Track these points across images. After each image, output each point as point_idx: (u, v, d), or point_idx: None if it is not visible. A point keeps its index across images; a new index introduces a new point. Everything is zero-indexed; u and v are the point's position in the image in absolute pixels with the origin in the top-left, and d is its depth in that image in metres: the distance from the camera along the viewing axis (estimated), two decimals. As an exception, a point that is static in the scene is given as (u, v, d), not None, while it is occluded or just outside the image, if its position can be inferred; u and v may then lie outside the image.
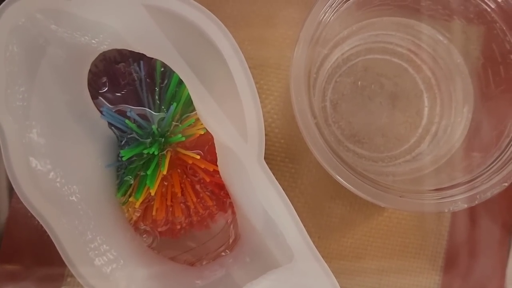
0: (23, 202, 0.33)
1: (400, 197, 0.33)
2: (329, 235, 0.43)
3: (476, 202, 0.33)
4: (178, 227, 0.40)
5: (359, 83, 0.41)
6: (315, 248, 0.33)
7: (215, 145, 0.36)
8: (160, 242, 0.40)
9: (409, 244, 0.43)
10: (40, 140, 0.34)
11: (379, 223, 0.43)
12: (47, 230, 0.33)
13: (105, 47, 0.36)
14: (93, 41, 0.35)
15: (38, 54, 0.34)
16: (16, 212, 0.42)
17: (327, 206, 0.43)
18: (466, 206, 0.33)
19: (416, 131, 0.41)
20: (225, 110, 0.34)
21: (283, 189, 0.43)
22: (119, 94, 0.39)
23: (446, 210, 0.33)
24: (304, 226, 0.43)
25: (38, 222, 0.33)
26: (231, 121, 0.34)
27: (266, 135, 0.43)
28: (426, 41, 0.41)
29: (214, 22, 0.33)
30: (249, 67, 0.43)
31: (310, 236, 0.43)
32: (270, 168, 0.43)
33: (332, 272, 0.32)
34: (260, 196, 0.33)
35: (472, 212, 0.43)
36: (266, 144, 0.43)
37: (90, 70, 0.38)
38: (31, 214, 0.33)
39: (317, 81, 0.41)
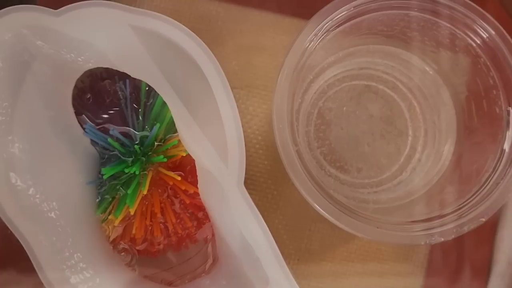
0: (1, 217, 0.33)
1: (377, 228, 0.33)
2: (308, 258, 0.43)
3: (453, 237, 0.33)
4: (157, 246, 0.40)
5: (344, 108, 0.41)
6: (291, 276, 0.33)
7: (196, 168, 0.36)
8: (138, 260, 0.40)
9: (388, 271, 0.43)
10: (22, 155, 0.34)
11: (359, 248, 0.43)
12: (23, 246, 0.33)
13: (90, 65, 0.36)
14: (79, 58, 0.35)
15: (23, 70, 0.34)
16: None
17: (308, 229, 0.43)
18: (442, 239, 0.33)
19: (399, 159, 0.41)
20: (207, 134, 0.34)
21: (265, 211, 0.43)
22: (103, 112, 0.39)
23: (422, 243, 0.33)
24: (284, 248, 0.43)
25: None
26: (213, 145, 0.34)
27: (250, 156, 0.43)
28: (412, 70, 0.41)
29: (198, 44, 0.33)
30: (236, 88, 0.43)
31: (290, 259, 0.43)
32: (253, 189, 0.43)
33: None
34: (239, 221, 0.33)
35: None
36: (249, 165, 0.43)
37: (75, 86, 0.38)
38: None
39: (302, 105, 0.41)
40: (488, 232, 0.44)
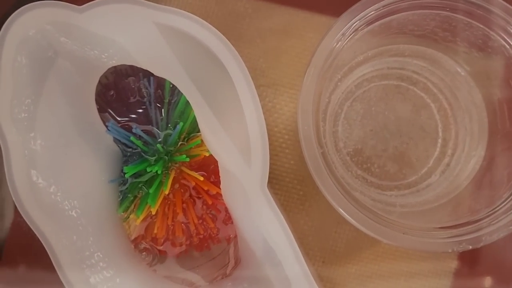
0: (22, 215, 0.33)
1: (403, 233, 0.32)
2: (334, 260, 0.43)
3: (481, 244, 0.32)
4: (179, 246, 0.40)
5: (373, 109, 0.40)
6: (314, 282, 0.32)
7: (219, 169, 0.35)
8: (159, 260, 0.40)
9: (415, 274, 0.43)
10: (43, 153, 0.34)
11: (386, 251, 0.43)
12: (43, 244, 0.33)
13: (114, 62, 0.36)
14: (103, 55, 0.35)
15: (46, 66, 0.34)
16: (21, 217, 0.42)
17: (334, 230, 0.43)
18: (470, 247, 0.32)
19: (428, 162, 0.40)
20: (230, 135, 0.33)
21: (290, 211, 0.42)
22: (126, 109, 0.39)
23: (450, 251, 0.32)
24: (309, 250, 0.43)
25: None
26: (236, 146, 0.33)
27: (275, 155, 0.43)
28: (444, 71, 0.40)
29: (223, 43, 0.32)
30: (263, 86, 0.42)
31: (315, 260, 0.43)
32: (278, 189, 0.43)
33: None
34: (261, 224, 0.33)
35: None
36: (275, 165, 0.43)
37: (100, 82, 0.38)
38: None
39: (330, 105, 0.40)
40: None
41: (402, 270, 0.43)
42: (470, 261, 0.42)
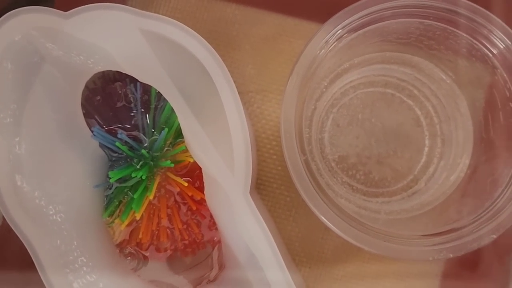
0: (6, 219, 0.33)
1: (385, 241, 0.32)
2: (320, 266, 0.43)
3: (462, 253, 0.32)
4: (163, 252, 0.40)
5: (359, 116, 0.40)
6: (294, 286, 0.33)
7: (203, 175, 0.35)
8: (144, 265, 0.40)
9: (403, 277, 0.43)
10: (28, 157, 0.34)
11: (373, 257, 0.43)
12: (27, 248, 0.33)
13: (100, 68, 0.36)
14: (89, 61, 0.35)
15: (32, 71, 0.34)
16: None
17: (320, 237, 0.43)
18: (451, 255, 0.32)
19: (414, 169, 0.40)
20: (214, 141, 0.33)
21: (277, 217, 0.43)
22: (113, 114, 0.39)
23: (431, 259, 0.32)
24: (296, 255, 0.43)
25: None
26: (220, 153, 0.33)
27: (263, 161, 0.43)
28: (429, 78, 0.40)
29: (208, 50, 0.32)
30: (251, 92, 0.43)
31: (301, 266, 0.43)
32: (265, 195, 0.43)
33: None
34: (243, 230, 0.33)
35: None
36: (263, 170, 0.43)
37: (87, 87, 0.38)
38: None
39: (316, 112, 0.40)
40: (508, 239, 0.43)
41: (388, 279, 0.43)
42: (458, 263, 0.42)
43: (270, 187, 0.43)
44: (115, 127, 0.39)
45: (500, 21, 0.33)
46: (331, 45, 0.33)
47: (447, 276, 0.42)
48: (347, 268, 0.43)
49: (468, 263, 0.42)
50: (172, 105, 0.33)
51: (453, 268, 0.42)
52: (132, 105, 0.39)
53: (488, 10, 0.33)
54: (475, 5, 0.33)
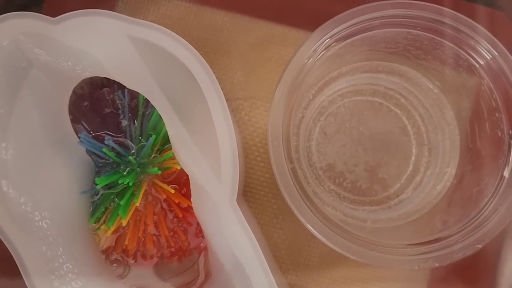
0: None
1: (371, 250, 0.32)
2: (306, 274, 0.43)
3: (448, 262, 0.32)
4: (149, 259, 0.40)
5: (347, 124, 0.41)
6: (281, 295, 0.33)
7: (190, 182, 0.35)
8: (130, 272, 0.40)
9: (390, 282, 0.43)
10: (15, 163, 0.34)
11: (359, 266, 0.43)
12: (12, 254, 0.33)
13: (88, 74, 0.36)
14: (76, 67, 0.35)
15: (19, 77, 0.34)
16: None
17: (307, 244, 0.43)
18: (437, 265, 0.32)
19: (400, 178, 0.41)
20: (201, 149, 0.33)
21: (264, 224, 0.43)
22: (100, 120, 0.39)
23: (416, 268, 0.32)
24: (282, 263, 0.43)
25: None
26: (207, 160, 0.33)
27: (251, 168, 0.43)
28: (417, 88, 0.40)
29: (195, 57, 0.32)
30: (240, 99, 0.43)
31: (288, 274, 0.43)
32: (253, 202, 0.43)
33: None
34: (230, 238, 0.33)
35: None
36: (250, 178, 0.43)
37: (74, 92, 0.38)
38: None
39: (304, 120, 0.40)
40: (492, 250, 0.43)
41: (376, 279, 0.43)
42: (445, 268, 0.42)
43: (258, 194, 0.43)
44: (102, 133, 0.39)
45: (486, 31, 0.33)
46: (320, 54, 0.33)
47: (434, 281, 0.43)
48: (334, 275, 0.43)
49: (455, 268, 0.42)
50: (159, 112, 0.33)
51: (440, 273, 0.43)
52: (120, 111, 0.39)
53: (474, 21, 0.33)
54: (462, 16, 0.33)
